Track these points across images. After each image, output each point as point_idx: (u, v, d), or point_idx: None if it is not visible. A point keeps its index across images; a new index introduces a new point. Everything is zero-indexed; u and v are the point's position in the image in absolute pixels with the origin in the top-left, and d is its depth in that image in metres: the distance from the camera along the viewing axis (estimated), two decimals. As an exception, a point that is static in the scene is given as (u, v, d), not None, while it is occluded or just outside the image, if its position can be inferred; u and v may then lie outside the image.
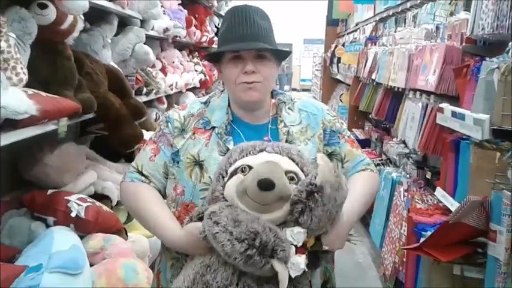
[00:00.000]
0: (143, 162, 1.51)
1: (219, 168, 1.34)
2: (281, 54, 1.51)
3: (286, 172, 1.25)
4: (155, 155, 1.51)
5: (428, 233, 2.09)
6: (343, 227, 1.34)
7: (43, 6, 1.91)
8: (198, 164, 1.44)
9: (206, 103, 1.55)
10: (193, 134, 1.47)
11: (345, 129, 1.59)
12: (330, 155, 1.51)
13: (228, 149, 1.43)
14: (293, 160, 1.31)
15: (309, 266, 1.27)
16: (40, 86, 1.83)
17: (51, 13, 1.93)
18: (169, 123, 1.51)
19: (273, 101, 1.56)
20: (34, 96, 1.61)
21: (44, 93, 1.74)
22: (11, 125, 1.53)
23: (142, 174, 1.50)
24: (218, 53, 1.49)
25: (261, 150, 1.32)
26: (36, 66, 1.89)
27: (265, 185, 1.18)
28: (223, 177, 1.30)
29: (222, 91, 1.58)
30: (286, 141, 1.46)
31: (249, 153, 1.31)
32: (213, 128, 1.48)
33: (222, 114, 1.50)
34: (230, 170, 1.29)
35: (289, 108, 1.54)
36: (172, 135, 1.49)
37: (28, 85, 1.69)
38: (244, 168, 1.26)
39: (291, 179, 1.25)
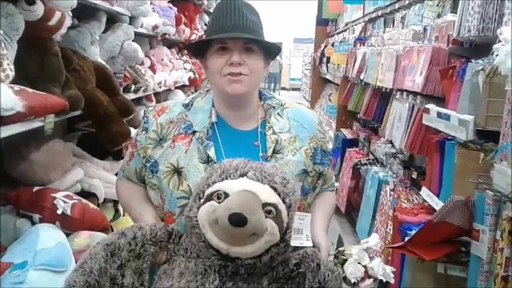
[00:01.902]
0: (124, 164, 1.55)
1: (197, 186, 1.29)
2: (270, 50, 1.45)
3: (264, 205, 1.18)
4: (130, 160, 1.51)
5: (413, 232, 2.11)
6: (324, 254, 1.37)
7: (31, 2, 1.89)
8: (177, 171, 1.39)
9: (188, 106, 1.48)
10: (173, 141, 1.42)
11: (329, 149, 1.57)
12: (319, 175, 1.49)
13: (208, 156, 1.38)
14: (275, 190, 1.22)
15: None
16: (27, 83, 1.81)
17: (38, 9, 1.92)
18: (144, 132, 1.46)
19: (261, 103, 1.49)
20: (20, 93, 1.60)
21: (30, 90, 1.73)
22: (-4, 121, 1.52)
23: (125, 175, 1.55)
24: (204, 46, 1.43)
25: (242, 175, 1.23)
26: (23, 62, 1.88)
27: (237, 220, 1.12)
28: (199, 199, 1.24)
29: (207, 91, 1.52)
30: (274, 151, 1.41)
31: (229, 176, 1.23)
32: (194, 132, 1.42)
33: (204, 117, 1.44)
34: (207, 192, 1.23)
35: (278, 114, 1.48)
36: (146, 147, 1.44)
37: (15, 81, 1.68)
38: (220, 194, 1.19)
39: (269, 212, 1.18)
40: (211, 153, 1.39)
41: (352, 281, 1.29)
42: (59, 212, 1.99)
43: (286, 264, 1.28)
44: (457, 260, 1.92)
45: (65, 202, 2.02)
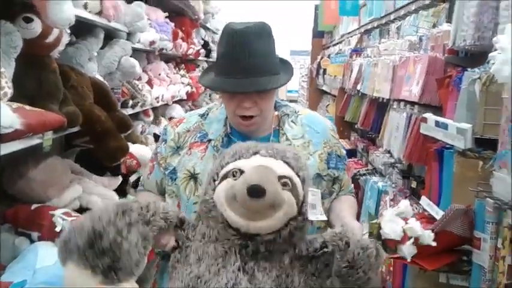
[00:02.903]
0: (144, 178, 1.62)
1: (211, 170, 1.30)
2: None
3: (280, 177, 1.18)
4: (150, 173, 1.58)
5: (414, 242, 2.10)
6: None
7: (28, 20, 1.91)
8: (194, 177, 1.43)
9: (204, 115, 1.53)
10: (189, 149, 1.47)
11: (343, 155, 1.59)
12: (334, 180, 1.52)
13: None
14: (288, 164, 1.24)
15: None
16: (25, 100, 1.82)
17: (36, 27, 1.93)
18: (164, 142, 1.53)
19: (276, 113, 1.52)
20: (19, 110, 1.60)
21: (28, 107, 1.73)
22: (-5, 139, 1.52)
23: (146, 189, 1.61)
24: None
25: (255, 153, 1.25)
26: (21, 79, 1.88)
27: (256, 191, 1.12)
28: (214, 181, 1.25)
29: (221, 102, 1.55)
30: None
31: (242, 156, 1.25)
32: (210, 140, 1.47)
33: (219, 127, 1.48)
34: (221, 173, 1.23)
35: (292, 121, 1.51)
36: (166, 156, 1.50)
37: (13, 99, 1.68)
38: (235, 172, 1.19)
39: (285, 184, 1.18)
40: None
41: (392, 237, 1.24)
42: (58, 229, 1.98)
43: (311, 244, 1.26)
44: (459, 269, 1.91)
45: (63, 219, 2.01)
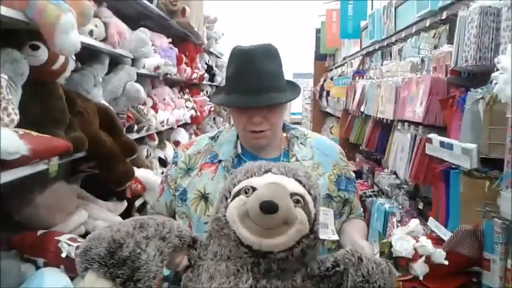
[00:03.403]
0: (154, 201, 1.63)
1: (223, 189, 1.30)
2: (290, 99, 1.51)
3: (292, 194, 1.18)
4: (160, 196, 1.59)
5: (423, 264, 2.07)
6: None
7: (35, 48, 1.93)
8: (204, 197, 1.45)
9: (214, 138, 1.57)
10: (200, 170, 1.49)
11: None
12: (345, 202, 1.53)
13: None
14: (300, 182, 1.24)
15: None
16: (31, 126, 1.83)
17: (43, 54, 1.96)
18: (174, 165, 1.56)
19: (285, 135, 1.56)
20: (25, 136, 1.62)
21: (34, 133, 1.74)
22: (1, 165, 1.53)
23: (155, 211, 1.61)
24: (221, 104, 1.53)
25: (266, 171, 1.26)
26: (28, 106, 1.90)
27: (268, 207, 1.12)
28: (226, 199, 1.25)
29: (231, 125, 1.60)
30: None
31: (254, 174, 1.26)
32: (220, 161, 1.49)
33: (229, 148, 1.51)
34: (234, 191, 1.24)
35: (301, 143, 1.54)
36: (176, 178, 1.52)
37: (19, 125, 1.70)
38: (248, 189, 1.20)
39: (297, 201, 1.18)
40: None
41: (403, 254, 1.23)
42: (64, 255, 1.97)
43: (322, 263, 1.25)
44: (469, 291, 1.88)
45: (69, 245, 2.00)
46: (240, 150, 1.51)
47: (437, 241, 2.35)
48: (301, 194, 1.21)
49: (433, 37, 3.08)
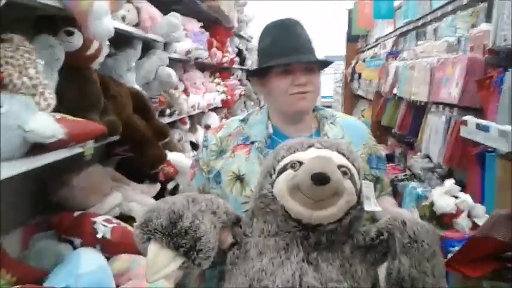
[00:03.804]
0: (184, 186, 1.63)
1: (265, 166, 1.30)
2: (325, 66, 1.57)
3: (339, 166, 1.19)
4: (191, 180, 1.61)
5: (456, 249, 2.04)
6: None
7: (70, 33, 1.97)
8: (239, 178, 1.46)
9: (244, 120, 1.58)
10: (233, 152, 1.51)
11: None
12: (377, 180, 1.54)
13: None
14: (343, 155, 1.25)
15: None
16: (67, 110, 1.87)
17: (77, 40, 1.99)
18: (205, 148, 1.56)
19: (314, 113, 1.57)
20: (61, 120, 1.65)
21: (70, 117, 1.78)
22: (39, 148, 1.58)
23: None
24: (264, 68, 1.51)
25: (309, 146, 1.26)
26: (64, 90, 1.94)
27: (320, 178, 1.12)
28: (270, 175, 1.25)
29: (260, 107, 1.61)
30: None
31: (297, 149, 1.26)
32: (253, 142, 1.50)
33: (261, 129, 1.52)
34: (278, 167, 1.24)
35: (331, 122, 1.55)
36: (209, 161, 1.53)
37: (56, 109, 1.74)
38: (294, 164, 1.20)
39: (344, 173, 1.19)
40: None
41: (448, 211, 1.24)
42: (99, 236, 2.02)
43: (366, 234, 1.25)
44: (504, 277, 1.84)
45: (104, 226, 2.05)
46: (271, 131, 1.52)
47: (472, 226, 2.31)
48: (347, 166, 1.22)
49: (470, 16, 2.98)
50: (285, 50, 1.44)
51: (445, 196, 1.28)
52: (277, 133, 1.52)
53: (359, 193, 1.22)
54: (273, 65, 1.46)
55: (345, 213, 1.19)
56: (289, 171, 1.20)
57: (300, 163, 1.20)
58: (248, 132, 1.53)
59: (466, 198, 1.29)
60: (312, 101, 1.50)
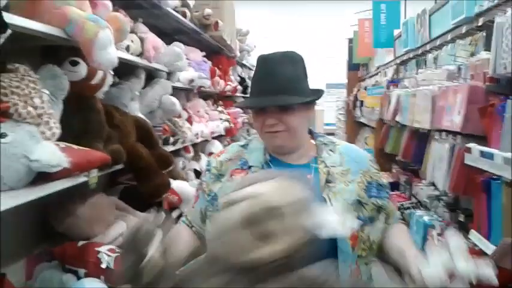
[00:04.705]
0: (189, 209, 1.67)
1: None
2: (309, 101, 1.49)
3: None
4: (195, 202, 1.63)
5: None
6: None
7: (74, 63, 1.99)
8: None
9: (245, 146, 1.60)
10: (231, 176, 1.52)
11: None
12: (379, 209, 1.50)
13: None
14: None
15: None
16: (72, 139, 1.87)
17: (82, 69, 2.01)
18: (207, 172, 1.60)
19: (313, 142, 1.56)
20: (66, 150, 1.66)
21: (75, 146, 1.79)
22: (43, 178, 1.58)
23: (188, 219, 1.64)
24: (242, 107, 1.56)
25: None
26: (68, 119, 1.96)
27: None
28: None
29: None
30: (327, 181, 1.45)
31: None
32: (250, 167, 1.52)
33: (259, 155, 1.54)
34: None
35: (330, 150, 1.54)
36: (209, 183, 1.56)
37: (60, 138, 1.75)
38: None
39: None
40: None
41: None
42: (103, 266, 2.00)
43: None
44: (515, 307, 1.80)
45: (108, 256, 2.03)
46: (268, 157, 1.53)
47: (480, 255, 2.28)
48: None
49: (470, 44, 3.01)
50: (261, 90, 1.45)
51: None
52: (274, 159, 1.53)
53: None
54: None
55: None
56: None
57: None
58: (247, 157, 1.55)
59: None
60: (286, 139, 1.47)
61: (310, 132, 1.58)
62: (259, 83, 1.47)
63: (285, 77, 1.43)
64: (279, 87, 1.42)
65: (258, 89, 1.47)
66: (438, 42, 3.61)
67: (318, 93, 1.53)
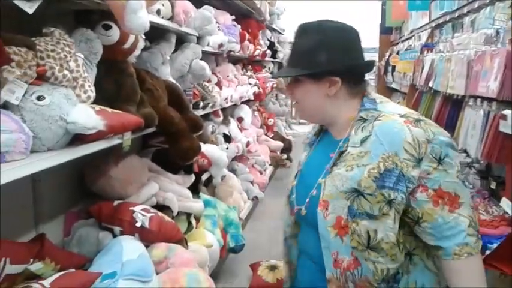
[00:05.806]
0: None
1: None
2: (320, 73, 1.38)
3: None
4: None
5: (494, 246, 2.01)
6: None
7: (107, 27, 2.01)
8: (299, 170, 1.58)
9: None
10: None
11: (434, 177, 1.26)
12: (390, 203, 1.25)
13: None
14: None
15: None
16: (105, 102, 1.91)
17: (114, 34, 2.03)
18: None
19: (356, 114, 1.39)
20: (101, 112, 1.70)
21: (109, 109, 1.82)
22: (79, 139, 1.63)
23: None
24: None
25: None
26: (102, 83, 1.99)
27: None
28: None
29: None
30: (334, 163, 1.35)
31: None
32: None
33: (316, 126, 1.60)
34: None
35: (363, 127, 1.34)
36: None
37: (95, 101, 1.79)
38: None
39: None
40: (303, 157, 1.56)
41: None
42: (138, 224, 2.07)
43: None
44: (544, 275, 1.80)
45: (143, 215, 2.10)
46: (319, 128, 1.59)
47: (510, 222, 2.26)
48: None
49: (509, 7, 2.89)
50: (286, 61, 1.52)
51: None
52: (326, 132, 1.54)
53: None
54: None
55: None
56: None
57: None
58: (313, 130, 1.63)
59: None
60: (301, 111, 1.46)
61: (362, 102, 1.40)
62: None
63: (296, 49, 1.43)
64: (290, 59, 1.46)
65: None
66: (476, 4, 3.47)
67: (337, 66, 1.37)
